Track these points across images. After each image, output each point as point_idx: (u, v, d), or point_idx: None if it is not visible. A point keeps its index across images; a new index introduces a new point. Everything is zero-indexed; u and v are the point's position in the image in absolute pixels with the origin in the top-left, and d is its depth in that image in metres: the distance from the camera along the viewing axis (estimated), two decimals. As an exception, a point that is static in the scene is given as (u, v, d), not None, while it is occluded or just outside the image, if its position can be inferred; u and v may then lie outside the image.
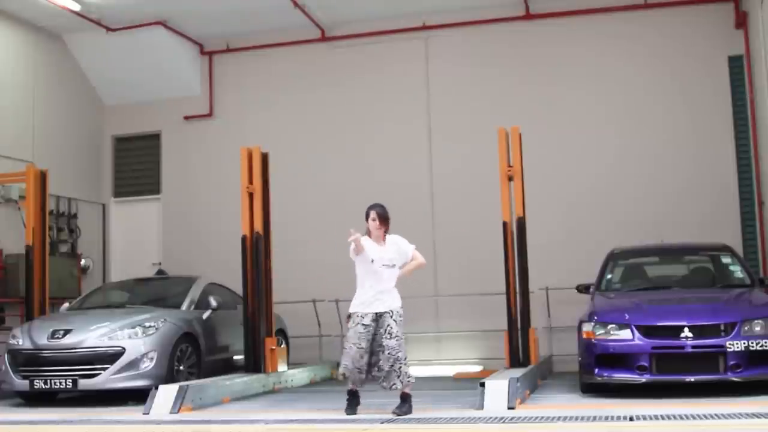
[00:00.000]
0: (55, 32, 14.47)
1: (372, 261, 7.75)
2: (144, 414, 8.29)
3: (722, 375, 8.03)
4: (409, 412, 7.58)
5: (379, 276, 7.77)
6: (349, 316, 7.90)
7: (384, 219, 7.86)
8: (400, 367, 7.61)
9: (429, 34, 14.35)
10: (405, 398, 7.68)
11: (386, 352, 7.60)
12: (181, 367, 9.86)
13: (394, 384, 7.62)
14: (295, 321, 12.90)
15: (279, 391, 10.62)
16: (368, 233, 7.91)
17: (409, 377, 7.67)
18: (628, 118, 13.44)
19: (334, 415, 7.80)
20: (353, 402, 7.79)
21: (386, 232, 7.92)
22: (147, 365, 9.43)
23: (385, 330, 7.66)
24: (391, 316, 7.71)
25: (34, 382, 9.37)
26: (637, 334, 8.30)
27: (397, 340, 7.64)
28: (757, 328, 8.12)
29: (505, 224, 10.28)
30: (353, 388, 7.80)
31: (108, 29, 14.30)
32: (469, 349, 13.44)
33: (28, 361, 9.54)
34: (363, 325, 7.69)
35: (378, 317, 7.71)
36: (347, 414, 7.69)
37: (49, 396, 9.86)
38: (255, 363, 10.47)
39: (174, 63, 15.05)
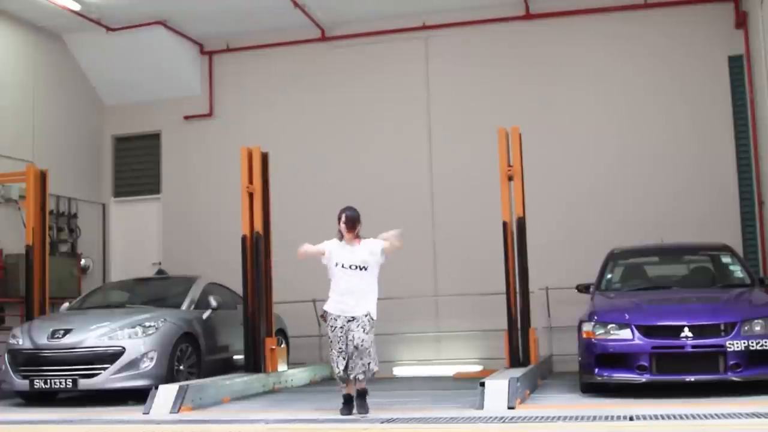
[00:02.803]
0: (55, 32, 14.47)
1: (336, 264, 7.84)
2: (144, 414, 8.29)
3: (722, 375, 8.03)
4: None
5: (346, 278, 7.81)
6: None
7: (352, 223, 7.85)
8: None
9: (429, 34, 14.35)
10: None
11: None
12: (181, 367, 9.86)
13: None
14: (295, 321, 12.90)
15: (279, 391, 10.62)
16: (340, 236, 7.95)
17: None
18: (627, 118, 13.44)
19: (334, 415, 7.80)
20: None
21: (358, 235, 7.91)
22: (147, 365, 9.43)
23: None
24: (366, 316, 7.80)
25: (34, 382, 9.38)
26: (637, 333, 8.29)
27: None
28: (757, 328, 8.12)
29: (505, 224, 10.28)
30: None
31: (108, 29, 14.31)
32: (469, 349, 13.43)
33: (28, 361, 9.54)
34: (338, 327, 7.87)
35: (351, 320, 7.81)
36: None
37: (49, 396, 9.86)
38: (255, 363, 10.47)
39: (174, 63, 15.05)
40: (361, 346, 7.67)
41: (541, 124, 13.08)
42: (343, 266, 7.82)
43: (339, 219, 7.93)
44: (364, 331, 7.71)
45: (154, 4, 13.57)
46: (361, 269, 7.80)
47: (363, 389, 7.78)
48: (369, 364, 7.68)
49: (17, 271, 12.56)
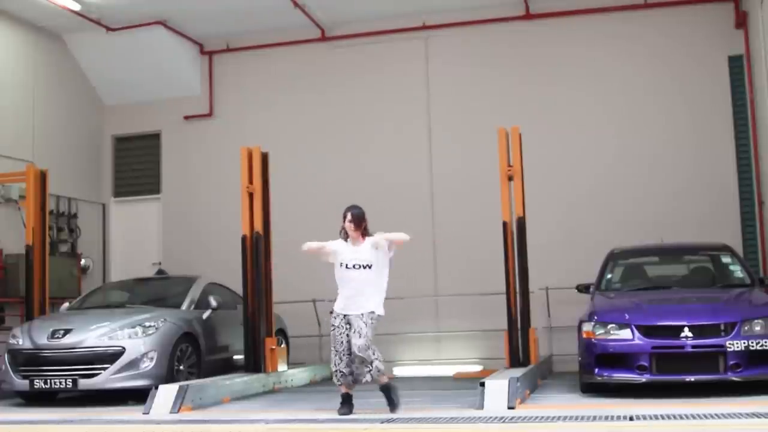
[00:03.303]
0: (55, 32, 14.47)
1: (340, 264, 7.83)
2: (144, 414, 8.29)
3: (722, 375, 8.03)
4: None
5: (350, 278, 7.79)
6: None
7: (359, 221, 7.83)
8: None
9: (429, 34, 14.35)
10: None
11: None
12: (181, 367, 9.86)
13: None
14: (295, 321, 12.90)
15: (279, 391, 10.62)
16: (345, 236, 7.93)
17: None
18: (627, 118, 13.44)
19: (334, 414, 7.80)
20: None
21: (364, 233, 7.89)
22: (147, 365, 9.43)
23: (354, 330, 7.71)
24: (362, 319, 7.73)
25: (34, 382, 9.37)
26: (637, 333, 8.30)
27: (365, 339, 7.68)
28: (757, 328, 8.12)
29: (505, 224, 10.28)
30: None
31: (108, 29, 14.31)
32: (469, 349, 13.43)
33: (28, 361, 9.54)
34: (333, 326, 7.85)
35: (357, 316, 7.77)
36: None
37: (49, 396, 9.86)
38: (255, 363, 10.47)
39: (174, 63, 15.05)
40: (359, 352, 7.61)
41: (541, 124, 13.08)
42: (347, 266, 7.79)
43: (344, 218, 7.88)
44: (359, 335, 7.62)
45: (154, 4, 13.57)
46: (364, 268, 7.76)
47: (384, 385, 7.71)
48: (372, 364, 7.60)
49: (17, 271, 12.56)
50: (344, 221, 7.88)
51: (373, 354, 7.65)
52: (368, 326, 7.68)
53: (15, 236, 12.85)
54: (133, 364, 9.38)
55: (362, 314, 7.71)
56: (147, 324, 9.68)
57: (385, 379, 7.74)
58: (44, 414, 8.66)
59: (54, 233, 13.97)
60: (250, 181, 10.69)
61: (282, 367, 11.01)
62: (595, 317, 8.68)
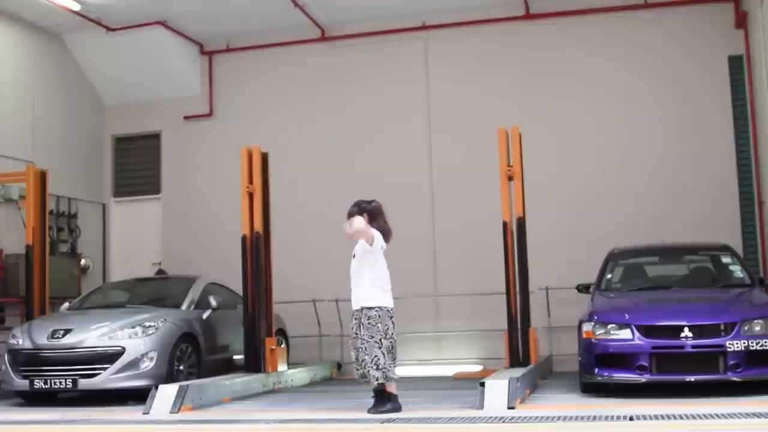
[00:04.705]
0: (55, 32, 14.47)
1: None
2: (144, 414, 8.29)
3: (722, 375, 8.03)
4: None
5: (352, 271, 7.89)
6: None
7: (349, 214, 7.87)
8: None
9: (429, 34, 14.35)
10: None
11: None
12: (181, 367, 9.86)
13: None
14: (295, 321, 12.90)
15: (279, 391, 10.62)
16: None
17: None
18: (627, 118, 13.44)
19: (334, 414, 7.80)
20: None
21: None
22: (147, 365, 9.42)
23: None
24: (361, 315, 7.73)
25: (34, 382, 9.37)
26: (637, 333, 8.30)
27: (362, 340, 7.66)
28: (757, 328, 8.12)
29: (505, 224, 10.28)
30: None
31: (108, 29, 14.31)
32: (469, 349, 13.43)
33: (28, 361, 9.54)
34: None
35: (356, 312, 7.81)
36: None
37: (49, 396, 9.86)
38: (255, 363, 10.47)
39: (174, 63, 15.05)
40: (360, 347, 7.64)
41: (541, 124, 13.08)
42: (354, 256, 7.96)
43: None
44: (357, 335, 7.67)
45: (154, 4, 13.57)
46: (354, 257, 7.89)
47: (375, 388, 7.67)
48: (367, 367, 7.55)
49: (17, 271, 12.56)
50: None
51: (375, 362, 7.52)
52: (368, 321, 7.60)
53: (15, 236, 12.85)
54: (133, 364, 9.38)
55: (360, 309, 7.70)
56: (147, 324, 9.68)
57: (390, 389, 7.68)
58: (44, 414, 8.65)
59: (54, 233, 13.97)
60: (250, 181, 10.69)
61: (282, 367, 11.01)
62: (595, 317, 8.68)
